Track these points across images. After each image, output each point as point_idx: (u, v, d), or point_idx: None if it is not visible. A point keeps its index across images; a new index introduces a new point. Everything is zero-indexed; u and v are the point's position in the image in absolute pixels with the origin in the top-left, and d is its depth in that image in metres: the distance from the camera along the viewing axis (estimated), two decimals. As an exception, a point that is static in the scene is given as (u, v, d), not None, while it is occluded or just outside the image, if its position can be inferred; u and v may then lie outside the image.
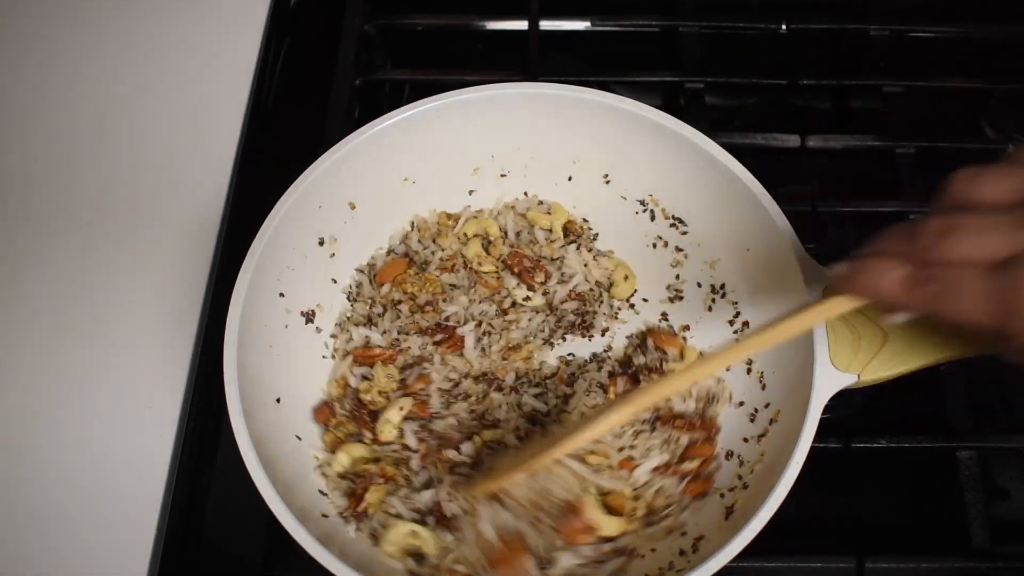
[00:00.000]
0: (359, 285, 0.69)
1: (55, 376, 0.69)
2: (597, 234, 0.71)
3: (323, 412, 0.64)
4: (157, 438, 0.66)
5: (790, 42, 0.84)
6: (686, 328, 0.68)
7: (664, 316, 0.69)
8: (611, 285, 0.70)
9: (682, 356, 0.66)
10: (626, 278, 0.70)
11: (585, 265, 0.69)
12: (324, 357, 0.67)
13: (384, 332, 0.67)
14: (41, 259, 0.74)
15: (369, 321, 0.67)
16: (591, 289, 0.69)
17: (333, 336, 0.67)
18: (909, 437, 0.64)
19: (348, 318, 0.68)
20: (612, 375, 0.66)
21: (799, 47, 0.85)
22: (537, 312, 0.68)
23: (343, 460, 0.62)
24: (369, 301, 0.68)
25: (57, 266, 0.73)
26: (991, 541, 0.61)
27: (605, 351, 0.68)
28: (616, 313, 0.69)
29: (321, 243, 0.66)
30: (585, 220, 0.72)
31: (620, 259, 0.71)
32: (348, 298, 0.68)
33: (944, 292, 0.41)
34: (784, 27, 0.83)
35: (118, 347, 0.70)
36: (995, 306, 0.39)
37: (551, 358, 0.68)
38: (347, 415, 0.64)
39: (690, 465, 0.61)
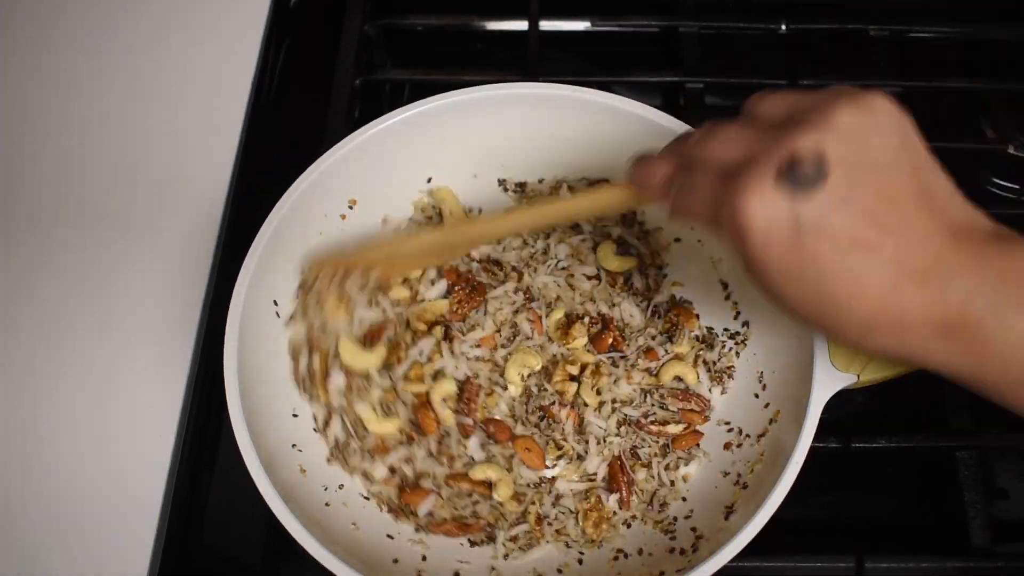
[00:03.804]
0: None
1: (55, 376, 0.69)
2: None
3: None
4: (157, 438, 0.66)
5: (790, 42, 0.84)
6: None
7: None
8: None
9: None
10: None
11: None
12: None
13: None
14: (40, 258, 0.74)
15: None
16: None
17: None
18: (909, 437, 0.64)
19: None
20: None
21: (799, 47, 0.85)
22: None
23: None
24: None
25: (56, 265, 0.73)
26: (991, 541, 0.61)
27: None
28: None
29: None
30: None
31: None
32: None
33: (684, 187, 0.44)
34: (784, 27, 0.83)
35: (118, 347, 0.70)
36: (712, 199, 0.42)
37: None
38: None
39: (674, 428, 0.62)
